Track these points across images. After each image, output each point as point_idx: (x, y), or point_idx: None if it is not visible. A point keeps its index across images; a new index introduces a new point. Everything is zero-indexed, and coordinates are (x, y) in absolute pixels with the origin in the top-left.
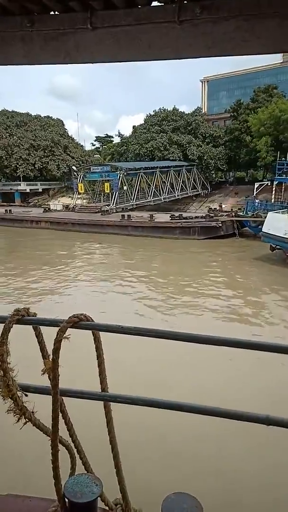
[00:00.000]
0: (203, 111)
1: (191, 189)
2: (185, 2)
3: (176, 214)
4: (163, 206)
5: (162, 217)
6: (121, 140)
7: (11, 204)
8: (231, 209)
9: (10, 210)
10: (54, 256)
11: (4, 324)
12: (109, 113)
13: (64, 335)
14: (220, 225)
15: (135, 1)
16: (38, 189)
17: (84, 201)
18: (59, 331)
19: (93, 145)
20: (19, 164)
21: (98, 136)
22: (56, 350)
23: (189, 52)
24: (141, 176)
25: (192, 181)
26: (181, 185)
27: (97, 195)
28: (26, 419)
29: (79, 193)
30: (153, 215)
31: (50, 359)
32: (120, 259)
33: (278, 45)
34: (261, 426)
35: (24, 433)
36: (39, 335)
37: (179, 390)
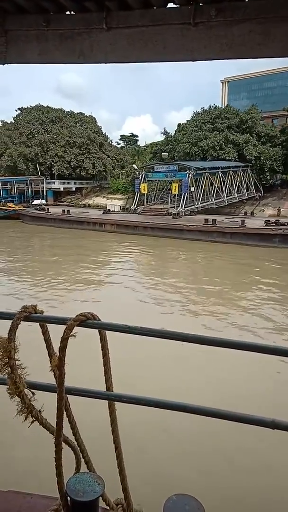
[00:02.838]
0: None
1: (246, 191)
2: (200, 4)
3: (272, 219)
4: (211, 209)
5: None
6: (166, 138)
7: (59, 203)
8: None
9: (68, 210)
10: (134, 263)
11: (12, 321)
12: (115, 113)
13: (71, 333)
14: None
15: (151, 2)
16: (71, 188)
17: (120, 201)
18: (66, 329)
19: (118, 144)
20: (55, 161)
21: (123, 135)
22: (63, 348)
23: (204, 54)
24: (207, 176)
25: (248, 183)
26: (238, 187)
27: (155, 196)
28: (33, 418)
29: (142, 194)
30: (244, 220)
31: (56, 357)
32: (214, 271)
33: None
34: None
35: (28, 430)
36: (45, 333)
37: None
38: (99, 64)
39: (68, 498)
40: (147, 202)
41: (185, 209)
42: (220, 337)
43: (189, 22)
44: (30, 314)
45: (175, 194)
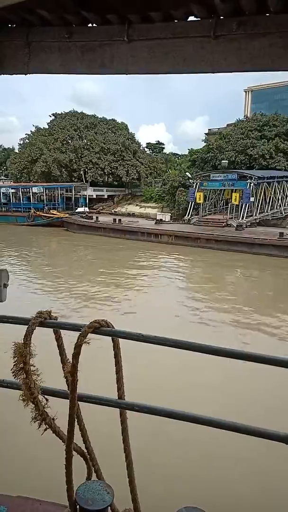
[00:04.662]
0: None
1: None
2: (221, 17)
3: None
4: (262, 220)
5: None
6: (207, 145)
7: (101, 212)
8: None
9: (120, 219)
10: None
11: (27, 326)
12: (129, 122)
13: (85, 340)
14: None
15: (172, 16)
16: (104, 195)
17: (154, 210)
18: (80, 336)
19: (145, 151)
20: (88, 168)
21: (149, 143)
22: (76, 354)
23: (224, 66)
24: (265, 186)
25: None
26: None
27: (208, 206)
28: (46, 425)
29: (197, 204)
30: None
31: (69, 363)
32: None
33: None
34: None
35: (38, 435)
36: (59, 339)
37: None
38: (119, 75)
39: (77, 506)
40: (200, 212)
41: (246, 220)
42: (238, 349)
43: (209, 35)
44: (45, 319)
45: (234, 204)
